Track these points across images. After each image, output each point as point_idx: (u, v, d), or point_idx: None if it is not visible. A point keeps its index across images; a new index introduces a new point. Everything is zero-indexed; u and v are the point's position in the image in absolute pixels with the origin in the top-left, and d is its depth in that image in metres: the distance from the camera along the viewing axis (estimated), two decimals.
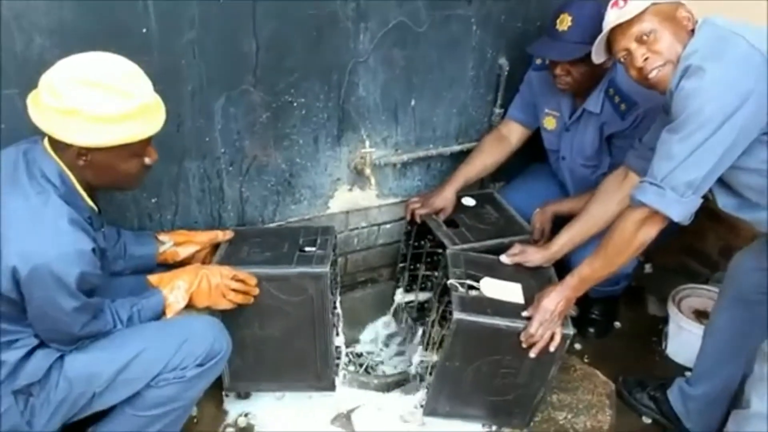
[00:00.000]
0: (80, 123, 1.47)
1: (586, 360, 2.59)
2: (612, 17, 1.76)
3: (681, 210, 1.68)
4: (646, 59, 1.72)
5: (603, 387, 2.41)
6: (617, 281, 2.53)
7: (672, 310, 2.65)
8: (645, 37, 1.71)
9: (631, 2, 1.72)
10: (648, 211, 1.72)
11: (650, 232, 1.75)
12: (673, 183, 1.65)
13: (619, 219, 1.82)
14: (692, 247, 3.10)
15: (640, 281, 3.06)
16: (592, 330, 2.75)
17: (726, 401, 2.18)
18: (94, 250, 1.56)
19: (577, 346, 2.66)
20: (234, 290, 1.90)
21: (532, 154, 2.65)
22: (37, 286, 1.49)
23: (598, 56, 1.89)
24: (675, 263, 3.14)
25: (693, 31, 1.71)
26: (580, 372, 2.47)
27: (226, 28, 1.97)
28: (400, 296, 2.66)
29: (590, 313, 2.76)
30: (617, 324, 2.85)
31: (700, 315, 2.64)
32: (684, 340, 2.58)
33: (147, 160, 1.64)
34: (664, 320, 2.74)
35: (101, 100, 1.47)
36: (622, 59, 1.80)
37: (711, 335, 2.18)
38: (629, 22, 1.72)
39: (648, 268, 3.18)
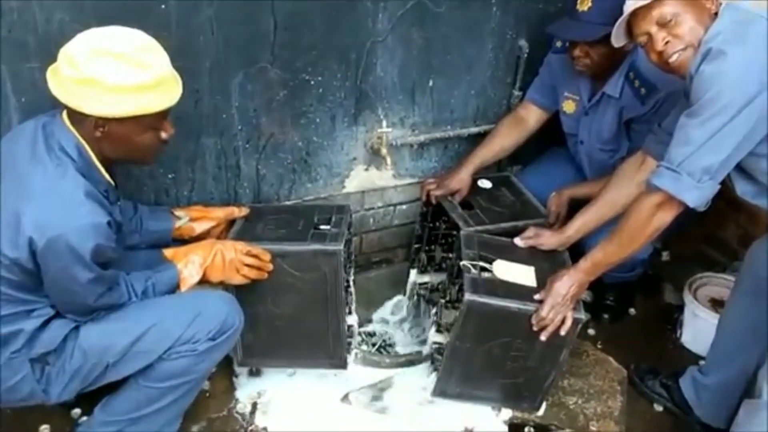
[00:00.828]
0: (97, 93, 1.49)
1: (599, 346, 2.58)
2: None
3: (697, 195, 1.66)
4: (666, 43, 1.69)
5: (615, 373, 2.41)
6: (632, 267, 2.51)
7: (687, 297, 2.62)
8: (666, 21, 1.68)
9: None
10: (663, 196, 1.70)
11: (665, 217, 1.74)
12: (690, 168, 1.63)
13: (635, 203, 1.80)
14: (712, 236, 3.07)
15: (658, 269, 3.03)
16: (606, 316, 2.74)
17: (739, 391, 2.16)
18: (109, 223, 1.58)
19: (591, 331, 2.65)
20: (248, 266, 1.91)
21: (550, 138, 2.62)
22: (53, 258, 1.51)
23: (617, 39, 1.86)
24: (693, 252, 3.11)
25: (716, 14, 1.67)
26: (592, 357, 2.48)
27: (245, 5, 1.97)
28: (415, 277, 2.65)
29: (605, 298, 2.75)
30: (632, 311, 2.83)
31: (716, 304, 2.62)
32: (699, 328, 2.56)
33: (163, 135, 1.65)
34: (680, 308, 2.71)
35: (118, 70, 1.49)
36: (642, 43, 1.77)
37: (725, 324, 2.16)
38: (650, 5, 1.69)
39: (666, 256, 3.14)
